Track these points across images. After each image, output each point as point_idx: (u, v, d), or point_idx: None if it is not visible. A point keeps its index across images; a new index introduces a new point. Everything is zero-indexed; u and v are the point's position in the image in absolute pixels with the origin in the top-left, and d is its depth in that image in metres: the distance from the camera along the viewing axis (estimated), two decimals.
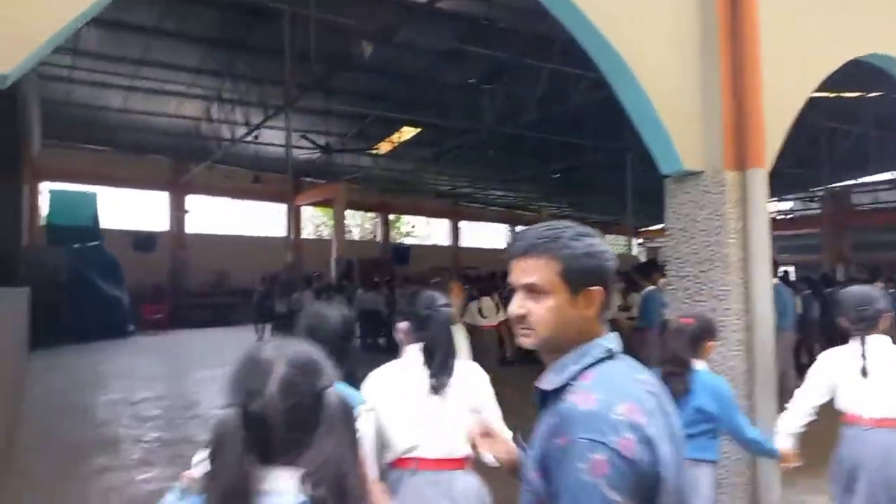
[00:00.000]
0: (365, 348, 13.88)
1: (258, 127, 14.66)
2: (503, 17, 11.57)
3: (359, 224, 27.70)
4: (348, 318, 2.33)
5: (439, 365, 2.31)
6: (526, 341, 1.26)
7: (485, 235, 31.82)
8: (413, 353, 2.37)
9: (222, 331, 18.42)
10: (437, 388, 2.28)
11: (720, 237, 3.93)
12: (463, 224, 30.48)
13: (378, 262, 25.06)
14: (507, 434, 2.30)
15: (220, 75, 14.22)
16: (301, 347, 1.18)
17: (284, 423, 1.07)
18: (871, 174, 25.09)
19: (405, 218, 29.41)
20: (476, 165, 22.10)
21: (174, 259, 20.81)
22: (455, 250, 29.74)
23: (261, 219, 23.82)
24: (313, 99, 14.15)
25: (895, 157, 19.76)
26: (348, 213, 23.57)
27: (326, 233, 26.11)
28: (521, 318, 1.24)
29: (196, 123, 17.43)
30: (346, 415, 1.13)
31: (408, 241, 28.54)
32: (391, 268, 24.92)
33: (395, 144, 19.32)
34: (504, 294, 11.61)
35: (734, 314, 3.88)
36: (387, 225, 27.84)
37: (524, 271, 1.24)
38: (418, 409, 2.28)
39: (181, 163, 20.50)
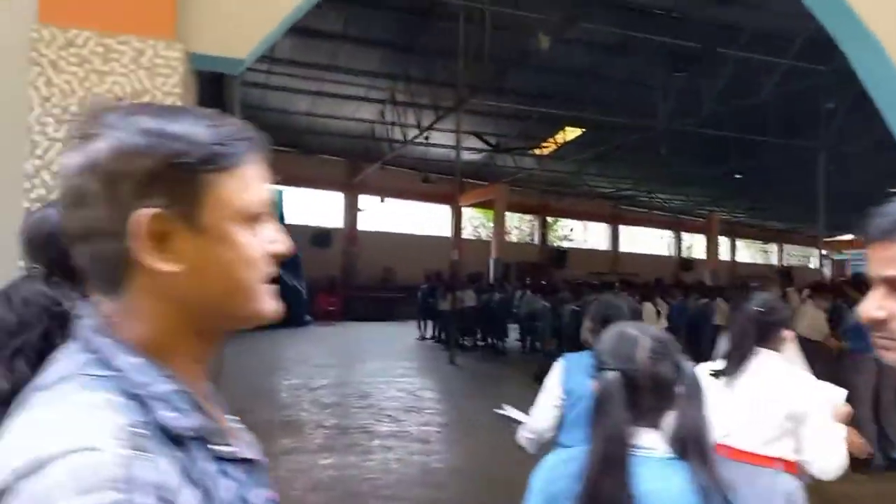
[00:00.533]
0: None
1: (429, 128, 15.12)
2: (683, 6, 10.88)
3: (517, 226, 27.64)
4: (635, 307, 2.63)
5: (732, 359, 2.48)
6: (888, 356, 0.92)
7: (645, 241, 30.39)
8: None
9: (387, 325, 19.26)
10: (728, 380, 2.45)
11: None
12: (623, 229, 29.33)
13: (536, 266, 24.91)
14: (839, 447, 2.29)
15: (395, 78, 14.83)
16: (654, 328, 1.38)
17: (651, 388, 1.26)
18: None
19: (563, 221, 28.86)
20: (640, 166, 21.16)
21: (346, 254, 22.12)
22: (614, 255, 28.72)
23: (424, 218, 24.60)
24: (480, 100, 14.32)
25: None
26: (507, 214, 23.65)
27: (484, 233, 26.38)
28: (881, 324, 0.91)
29: (371, 126, 18.39)
30: (699, 385, 1.30)
31: (565, 244, 27.99)
32: (549, 271, 24.66)
33: (559, 145, 19.01)
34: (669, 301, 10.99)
35: None
36: (544, 227, 27.50)
37: (889, 260, 0.90)
38: (729, 400, 2.42)
39: (355, 163, 21.76)
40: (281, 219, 19.02)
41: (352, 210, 22.65)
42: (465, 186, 22.61)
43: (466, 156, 19.59)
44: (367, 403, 7.86)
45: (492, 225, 23.97)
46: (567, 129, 17.97)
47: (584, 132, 17.81)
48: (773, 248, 34.23)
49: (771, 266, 33.42)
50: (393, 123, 17.21)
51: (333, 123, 18.32)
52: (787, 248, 34.62)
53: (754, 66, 11.17)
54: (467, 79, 11.95)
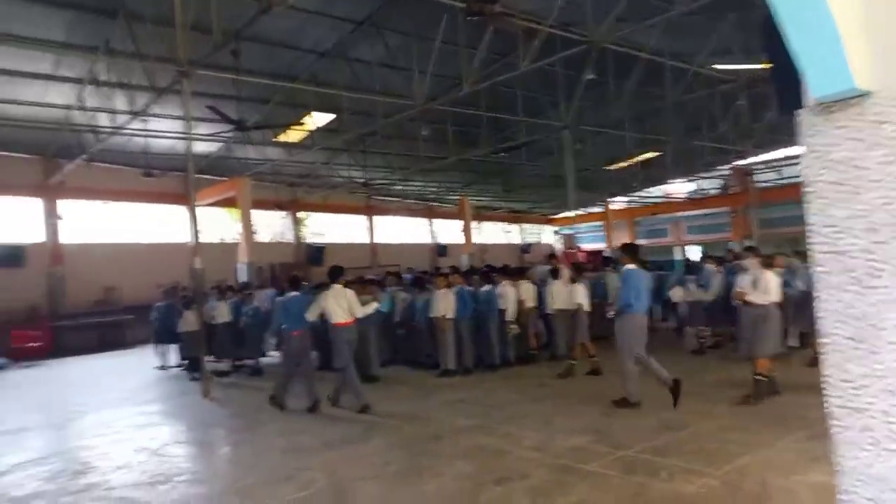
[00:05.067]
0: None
1: (142, 113, 12.32)
2: None
3: (267, 224, 25.22)
4: None
5: None
6: None
7: (401, 231, 30.18)
8: None
9: (113, 356, 15.81)
10: None
11: None
12: (379, 220, 28.74)
13: (292, 266, 23.00)
14: None
15: (95, 50, 11.71)
16: None
17: None
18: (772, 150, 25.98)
19: (317, 216, 27.20)
20: (394, 154, 20.53)
21: (50, 275, 17.76)
22: (372, 247, 28.01)
23: (153, 224, 20.98)
24: (209, 79, 11.99)
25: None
26: (254, 212, 21.28)
27: (228, 235, 23.60)
28: None
29: (66, 112, 14.63)
30: None
31: (320, 240, 26.41)
32: (307, 270, 23.00)
33: (306, 133, 17.33)
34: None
35: None
36: (297, 224, 25.59)
37: None
38: None
39: (51, 161, 17.47)
40: None
41: (54, 219, 18.22)
42: (202, 183, 19.75)
43: (200, 148, 16.89)
44: (88, 482, 5.52)
45: (237, 225, 21.41)
46: (315, 114, 16.36)
47: (335, 117, 16.41)
48: (513, 228, 36.64)
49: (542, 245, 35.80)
50: (96, 109, 13.83)
51: (10, 109, 14.16)
52: (525, 227, 37.42)
53: (513, 37, 10.75)
54: (189, 52, 9.62)
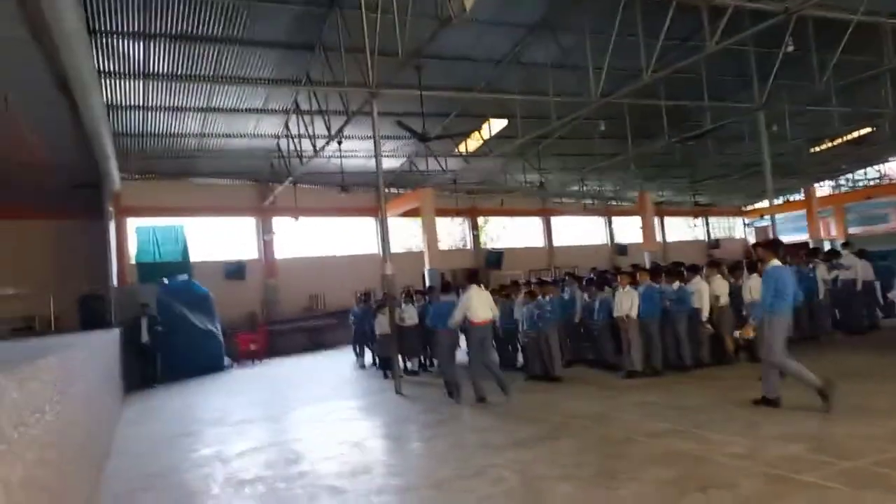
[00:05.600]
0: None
1: (339, 133, 13.37)
2: None
3: (448, 233, 26.20)
4: None
5: None
6: None
7: (578, 232, 29.63)
8: None
9: (318, 356, 17.39)
10: None
11: None
12: (556, 222, 28.50)
13: (472, 271, 23.58)
14: None
15: (297, 83, 12.99)
16: None
17: None
18: None
19: (494, 221, 27.71)
20: (570, 155, 20.23)
21: (266, 286, 20.03)
22: (549, 250, 27.85)
23: (348, 237, 22.78)
24: (394, 98, 12.72)
25: None
26: (436, 220, 22.21)
27: (414, 244, 24.85)
28: None
29: (275, 140, 16.43)
30: None
31: (498, 245, 26.83)
32: (487, 274, 23.40)
33: (484, 141, 17.70)
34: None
35: None
36: (476, 229, 26.25)
37: None
38: None
39: (264, 185, 19.72)
40: (184, 255, 16.88)
41: (266, 237, 20.55)
42: (388, 196, 21.05)
43: (387, 164, 17.99)
44: (299, 471, 6.08)
45: (421, 234, 22.51)
46: (491, 120, 16.68)
47: (508, 123, 16.58)
48: (698, 222, 34.31)
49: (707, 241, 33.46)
50: (299, 136, 15.33)
51: (232, 142, 16.24)
52: (712, 220, 34.88)
53: (696, 17, 10.04)
54: (376, 74, 10.29)
